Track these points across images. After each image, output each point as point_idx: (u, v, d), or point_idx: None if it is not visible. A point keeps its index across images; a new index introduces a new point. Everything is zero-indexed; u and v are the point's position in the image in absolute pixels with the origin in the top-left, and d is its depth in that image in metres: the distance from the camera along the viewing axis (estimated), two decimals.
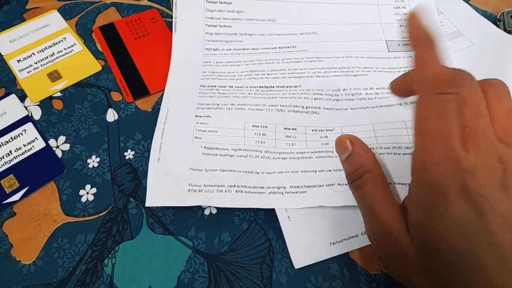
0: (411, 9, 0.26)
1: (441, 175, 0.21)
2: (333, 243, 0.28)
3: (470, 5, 0.42)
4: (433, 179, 0.21)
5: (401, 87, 0.27)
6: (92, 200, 0.30)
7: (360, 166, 0.25)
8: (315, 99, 0.34)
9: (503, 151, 0.21)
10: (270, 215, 0.30)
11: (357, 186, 0.25)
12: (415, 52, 0.24)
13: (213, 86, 0.35)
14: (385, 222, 0.23)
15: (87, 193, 0.31)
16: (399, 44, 0.37)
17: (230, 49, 0.37)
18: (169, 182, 0.30)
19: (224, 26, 0.38)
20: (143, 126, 0.34)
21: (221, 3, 0.38)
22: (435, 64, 0.23)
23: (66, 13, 0.40)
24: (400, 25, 0.38)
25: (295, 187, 0.30)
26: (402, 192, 0.29)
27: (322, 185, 0.30)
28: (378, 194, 0.24)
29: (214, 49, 0.37)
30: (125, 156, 0.32)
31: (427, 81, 0.23)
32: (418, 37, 0.24)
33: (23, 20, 0.40)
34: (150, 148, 0.31)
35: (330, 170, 0.30)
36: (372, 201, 0.24)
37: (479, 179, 0.20)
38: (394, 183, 0.29)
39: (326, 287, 0.27)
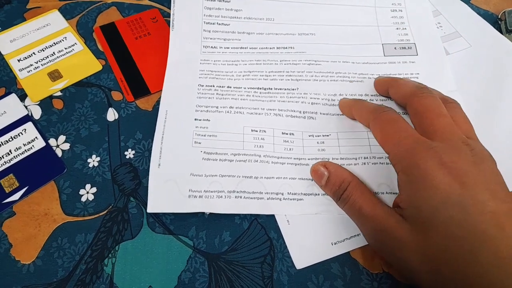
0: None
1: (417, 157, 0.24)
2: (335, 243, 0.28)
3: (471, 5, 0.42)
4: (411, 161, 0.24)
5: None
6: (92, 199, 0.30)
7: (342, 182, 0.28)
8: (311, 103, 0.34)
9: (466, 138, 0.25)
10: (270, 214, 0.29)
11: (344, 199, 0.27)
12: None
13: (211, 86, 0.35)
14: (379, 219, 0.25)
15: (87, 192, 0.31)
16: (395, 48, 0.37)
17: (228, 47, 0.37)
18: (170, 188, 0.30)
19: (222, 24, 0.38)
20: (143, 126, 0.34)
21: (220, 1, 0.38)
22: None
23: (66, 12, 0.40)
24: (397, 28, 0.39)
25: (292, 194, 0.30)
26: (393, 201, 0.29)
27: (318, 194, 0.30)
28: (364, 199, 0.26)
29: (212, 47, 0.37)
30: (126, 155, 0.32)
31: (372, 108, 0.29)
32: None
33: (24, 19, 0.40)
34: (151, 147, 0.31)
35: None
36: (361, 206, 0.26)
37: (452, 156, 0.23)
38: (386, 192, 0.29)
39: (328, 287, 0.27)
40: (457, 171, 0.23)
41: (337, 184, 0.28)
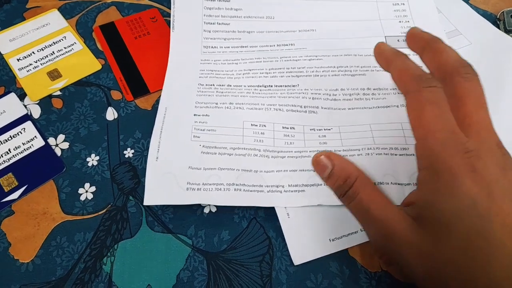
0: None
1: (449, 157, 0.22)
2: (332, 240, 0.28)
3: (470, 4, 0.42)
4: (442, 162, 0.22)
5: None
6: (91, 198, 0.30)
7: (348, 176, 0.25)
8: (313, 98, 0.34)
9: (500, 141, 0.23)
10: (270, 213, 0.29)
11: (350, 196, 0.25)
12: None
13: (211, 85, 0.35)
14: (389, 222, 0.23)
15: (86, 191, 0.31)
16: (398, 40, 0.37)
17: (228, 47, 0.37)
18: (168, 180, 0.30)
19: (222, 23, 0.38)
20: (143, 125, 0.34)
21: (220, 0, 0.38)
22: (444, 55, 0.25)
23: (66, 12, 0.40)
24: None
25: (293, 186, 0.29)
26: (399, 193, 0.29)
27: (321, 184, 0.30)
28: (373, 198, 0.24)
29: (212, 47, 0.37)
30: (125, 154, 0.32)
31: (420, 76, 0.24)
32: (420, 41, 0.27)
33: (24, 19, 0.40)
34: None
35: None
36: (369, 206, 0.24)
37: (485, 161, 0.21)
38: (391, 183, 0.29)
39: (326, 285, 0.27)
40: (487, 180, 0.21)
41: (341, 178, 0.25)
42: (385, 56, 0.28)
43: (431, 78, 0.24)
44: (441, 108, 0.23)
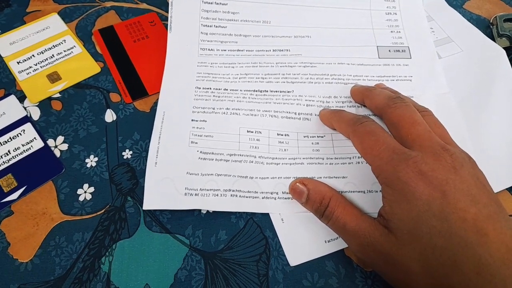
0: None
1: (397, 168, 0.24)
2: (328, 241, 0.28)
3: (463, 10, 0.43)
4: (392, 174, 0.24)
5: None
6: (90, 199, 0.31)
7: (322, 198, 0.28)
8: (307, 105, 0.34)
9: (444, 144, 0.25)
10: (266, 213, 0.30)
11: (327, 216, 0.27)
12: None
13: (208, 88, 0.35)
14: (364, 233, 0.25)
15: (85, 192, 0.31)
16: (389, 50, 0.38)
17: (225, 50, 0.38)
18: (166, 185, 0.30)
19: (220, 26, 0.38)
20: (141, 126, 0.34)
21: (217, 4, 0.39)
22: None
23: (66, 16, 0.41)
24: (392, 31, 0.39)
25: (287, 193, 0.30)
26: None
27: None
28: (348, 213, 0.26)
29: (209, 49, 0.38)
30: (123, 155, 0.33)
31: (349, 117, 0.30)
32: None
33: (24, 22, 0.40)
34: (148, 148, 0.32)
35: (321, 177, 0.30)
36: (345, 221, 0.26)
37: (431, 164, 0.23)
38: (379, 191, 0.29)
39: (322, 284, 0.27)
40: (437, 180, 0.23)
41: (317, 201, 0.28)
42: (326, 117, 0.32)
43: (361, 117, 0.29)
44: (376, 134, 0.26)
